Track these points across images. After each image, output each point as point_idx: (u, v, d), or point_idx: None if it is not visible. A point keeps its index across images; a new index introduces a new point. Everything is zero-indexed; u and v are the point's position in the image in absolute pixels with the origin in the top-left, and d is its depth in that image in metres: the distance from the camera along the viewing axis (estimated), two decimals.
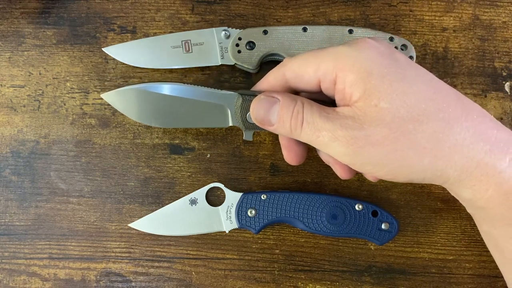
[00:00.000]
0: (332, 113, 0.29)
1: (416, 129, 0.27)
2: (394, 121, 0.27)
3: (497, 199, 0.28)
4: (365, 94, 0.27)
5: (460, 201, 0.32)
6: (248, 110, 0.35)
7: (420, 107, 0.27)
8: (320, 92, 0.32)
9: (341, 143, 0.28)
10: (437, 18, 0.42)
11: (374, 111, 0.27)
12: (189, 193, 0.41)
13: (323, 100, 0.33)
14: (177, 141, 0.41)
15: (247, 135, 0.36)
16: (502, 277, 0.36)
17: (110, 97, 0.38)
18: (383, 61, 0.28)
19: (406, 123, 0.27)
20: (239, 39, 0.40)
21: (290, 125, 0.30)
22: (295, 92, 0.33)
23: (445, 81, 0.41)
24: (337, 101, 0.31)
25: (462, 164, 0.28)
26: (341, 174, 0.34)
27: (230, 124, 0.36)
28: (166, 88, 0.37)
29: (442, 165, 0.28)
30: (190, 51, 0.40)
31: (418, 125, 0.27)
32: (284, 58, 0.40)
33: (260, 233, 0.41)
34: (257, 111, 0.32)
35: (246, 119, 0.35)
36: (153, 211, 0.40)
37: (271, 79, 0.33)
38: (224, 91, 0.36)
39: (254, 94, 0.34)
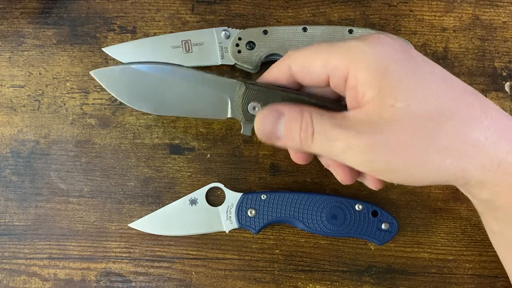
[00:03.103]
0: (343, 120, 0.27)
1: (437, 129, 0.26)
2: (413, 122, 0.25)
3: None
4: (380, 94, 0.25)
5: (474, 201, 0.31)
6: (250, 100, 0.32)
7: (440, 106, 0.26)
8: (327, 87, 0.30)
9: (358, 152, 0.26)
10: (437, 18, 0.42)
11: (390, 112, 0.25)
12: (189, 193, 0.41)
13: (331, 97, 0.31)
14: (177, 141, 0.41)
15: (246, 130, 0.33)
16: (502, 277, 0.36)
17: (99, 74, 0.35)
18: (398, 57, 0.26)
19: (426, 124, 0.26)
20: (239, 39, 0.40)
21: (300, 138, 0.28)
22: (300, 86, 0.32)
23: None
24: (347, 100, 0.29)
25: (484, 164, 0.27)
26: (343, 179, 0.32)
27: (229, 115, 0.33)
28: (159, 69, 0.33)
29: (465, 165, 0.27)
30: (190, 51, 0.40)
31: (438, 125, 0.26)
32: None
33: (260, 233, 0.41)
34: (262, 127, 0.30)
35: (248, 111, 0.32)
36: (153, 211, 0.40)
37: (275, 72, 0.31)
38: (225, 78, 0.33)
39: (258, 85, 0.32)
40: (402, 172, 0.27)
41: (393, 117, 0.25)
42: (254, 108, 0.32)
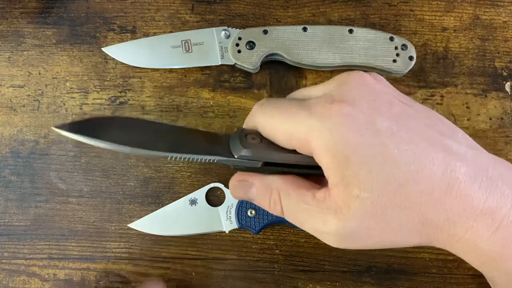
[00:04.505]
0: (312, 204, 0.26)
1: (400, 216, 0.25)
2: (377, 211, 0.25)
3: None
4: (344, 182, 0.24)
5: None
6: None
7: (402, 192, 0.25)
8: None
9: (326, 238, 0.27)
10: (437, 18, 0.42)
11: (357, 202, 0.24)
12: (189, 193, 0.40)
13: None
14: None
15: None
16: None
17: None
18: (360, 139, 0.24)
19: (390, 211, 0.25)
20: (239, 39, 0.40)
21: (270, 211, 0.29)
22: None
23: (446, 81, 0.41)
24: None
25: (445, 240, 0.27)
26: None
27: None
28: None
29: (427, 242, 0.28)
30: (190, 51, 0.40)
31: (401, 211, 0.25)
32: (284, 57, 0.40)
33: (260, 233, 0.40)
34: (236, 194, 0.30)
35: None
36: (153, 211, 0.40)
37: (250, 125, 0.29)
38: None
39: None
40: (377, 245, 0.28)
41: (360, 207, 0.24)
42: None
